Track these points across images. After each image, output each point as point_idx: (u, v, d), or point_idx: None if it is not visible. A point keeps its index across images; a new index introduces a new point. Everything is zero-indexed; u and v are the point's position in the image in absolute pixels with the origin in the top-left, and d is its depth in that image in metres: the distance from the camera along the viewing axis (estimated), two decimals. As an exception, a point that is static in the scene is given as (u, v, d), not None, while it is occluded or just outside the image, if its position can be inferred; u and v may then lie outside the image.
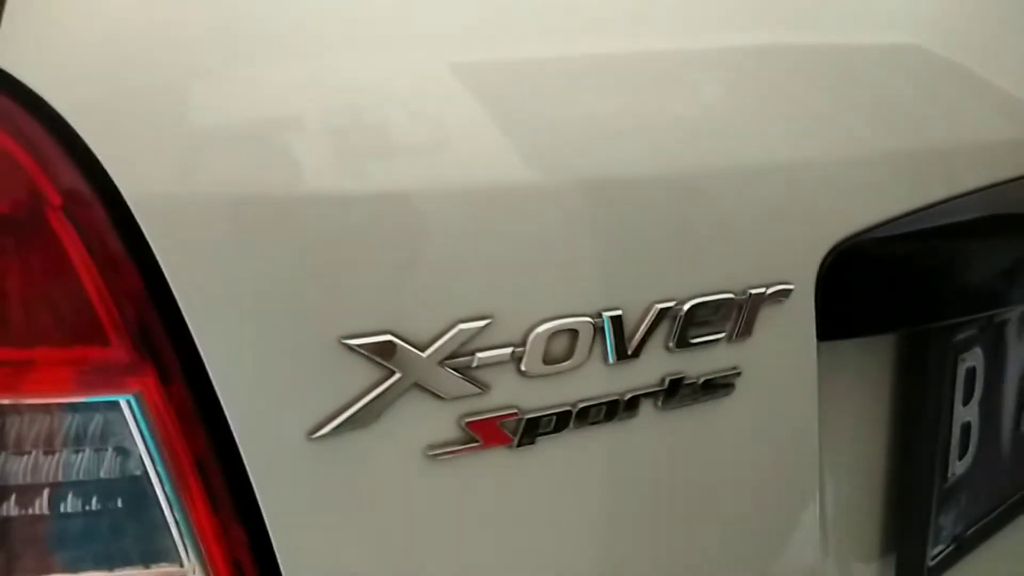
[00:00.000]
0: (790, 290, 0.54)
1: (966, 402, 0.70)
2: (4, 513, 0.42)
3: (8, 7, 0.40)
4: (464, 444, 0.47)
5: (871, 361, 0.66)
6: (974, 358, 0.69)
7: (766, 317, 0.54)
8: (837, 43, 0.58)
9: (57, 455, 0.42)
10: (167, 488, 0.43)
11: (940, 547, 0.70)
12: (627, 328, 0.50)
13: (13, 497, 0.42)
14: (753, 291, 0.53)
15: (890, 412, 0.68)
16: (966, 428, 0.70)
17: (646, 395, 0.51)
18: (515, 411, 0.48)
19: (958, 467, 0.70)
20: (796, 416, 0.58)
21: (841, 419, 0.63)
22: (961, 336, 0.67)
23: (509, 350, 0.47)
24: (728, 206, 0.52)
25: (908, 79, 0.61)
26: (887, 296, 0.60)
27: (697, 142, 0.51)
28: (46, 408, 0.42)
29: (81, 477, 0.43)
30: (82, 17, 0.41)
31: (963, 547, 0.72)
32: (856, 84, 0.57)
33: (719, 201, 0.52)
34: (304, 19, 0.44)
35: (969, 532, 0.73)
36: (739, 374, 0.54)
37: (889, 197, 0.57)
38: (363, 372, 0.45)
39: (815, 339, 0.57)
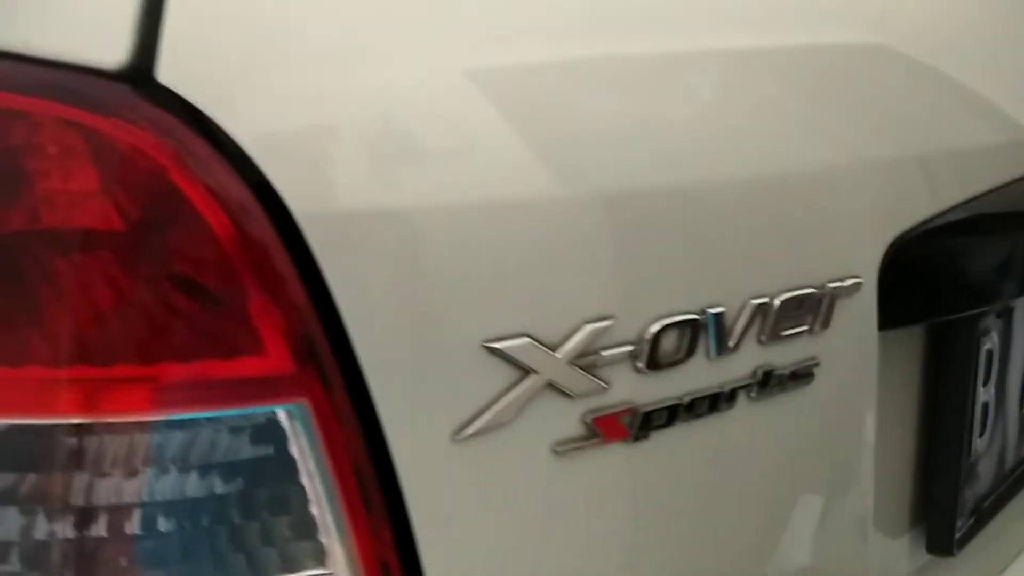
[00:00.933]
0: (861, 283, 0.58)
1: (985, 383, 0.75)
2: (156, 528, 0.42)
3: (166, 25, 0.40)
4: (588, 440, 0.49)
5: (902, 348, 0.70)
6: (991, 342, 0.75)
7: (841, 309, 0.57)
8: (893, 46, 0.62)
9: (212, 469, 0.42)
10: (324, 494, 0.44)
11: (963, 519, 0.75)
12: (727, 323, 0.53)
13: (170, 510, 0.42)
14: (831, 285, 0.56)
15: (919, 396, 0.73)
16: (984, 407, 0.76)
17: (742, 387, 0.54)
18: (632, 407, 0.50)
19: (979, 444, 0.76)
20: (860, 401, 0.62)
21: (881, 403, 0.67)
22: (983, 322, 0.72)
23: (629, 348, 0.49)
24: (810, 204, 0.56)
25: (941, 82, 0.65)
26: (940, 286, 0.64)
27: (784, 148, 0.55)
28: (201, 423, 0.42)
29: (234, 489, 0.43)
30: (243, 30, 0.41)
31: (982, 518, 0.78)
32: (907, 90, 0.62)
33: (803, 200, 0.55)
34: (475, 17, 0.46)
35: (986, 504, 0.78)
36: (818, 364, 0.58)
37: (943, 191, 0.61)
38: (504, 373, 0.46)
39: (876, 329, 0.61)
